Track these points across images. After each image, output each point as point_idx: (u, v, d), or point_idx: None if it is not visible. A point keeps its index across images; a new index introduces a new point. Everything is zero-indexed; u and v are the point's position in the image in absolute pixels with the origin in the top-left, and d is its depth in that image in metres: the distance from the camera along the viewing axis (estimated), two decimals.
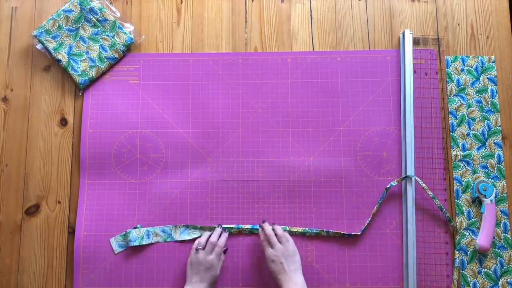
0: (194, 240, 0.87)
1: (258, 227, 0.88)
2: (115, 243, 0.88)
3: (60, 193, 0.91)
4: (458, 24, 0.97)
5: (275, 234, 0.82)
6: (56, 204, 0.91)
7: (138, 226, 0.88)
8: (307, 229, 0.88)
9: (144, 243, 0.87)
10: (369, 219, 0.87)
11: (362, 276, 0.87)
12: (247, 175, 0.91)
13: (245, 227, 0.87)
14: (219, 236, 0.84)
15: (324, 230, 0.87)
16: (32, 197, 0.91)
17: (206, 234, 0.85)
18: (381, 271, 0.87)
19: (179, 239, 0.87)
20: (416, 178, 0.88)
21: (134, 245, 0.86)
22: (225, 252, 0.85)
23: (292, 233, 0.87)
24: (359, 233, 0.87)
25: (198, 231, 0.88)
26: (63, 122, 0.94)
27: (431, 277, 0.86)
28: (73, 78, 0.93)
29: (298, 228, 0.88)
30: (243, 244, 0.88)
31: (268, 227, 0.83)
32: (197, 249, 0.80)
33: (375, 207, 0.88)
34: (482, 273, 0.87)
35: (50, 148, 0.93)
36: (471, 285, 0.86)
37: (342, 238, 0.88)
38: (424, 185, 0.87)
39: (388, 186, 0.88)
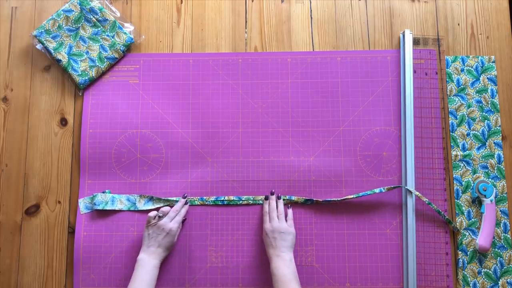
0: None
1: (222, 199, 0.89)
2: (83, 204, 0.89)
3: (60, 193, 0.91)
4: (458, 24, 0.97)
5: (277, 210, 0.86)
6: (56, 204, 0.91)
7: (106, 191, 0.89)
8: (301, 198, 0.89)
9: (107, 208, 0.88)
10: (352, 196, 0.89)
11: (362, 276, 0.87)
12: (247, 175, 0.91)
13: (209, 199, 0.89)
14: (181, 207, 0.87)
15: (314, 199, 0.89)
16: (32, 197, 0.91)
17: (167, 208, 0.86)
18: (381, 271, 0.87)
19: (143, 208, 0.89)
20: (410, 188, 0.87)
21: (98, 209, 0.88)
22: (183, 222, 0.88)
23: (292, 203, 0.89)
24: (337, 200, 0.89)
25: (162, 203, 0.89)
26: (63, 122, 0.94)
27: (431, 277, 0.86)
28: (73, 78, 0.93)
29: (300, 197, 0.89)
30: (243, 244, 0.88)
31: (273, 201, 0.86)
32: (159, 216, 0.83)
33: (361, 193, 0.88)
34: (482, 273, 0.87)
35: (50, 148, 0.93)
36: (471, 285, 0.86)
37: (343, 238, 0.88)
38: (418, 193, 0.87)
39: (377, 191, 0.87)
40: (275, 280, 0.76)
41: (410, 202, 0.87)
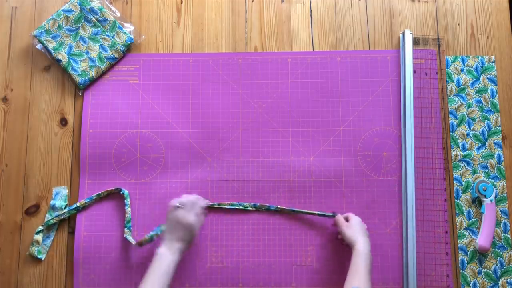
0: None
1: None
2: (56, 190, 0.90)
3: None
4: (458, 24, 0.97)
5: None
6: None
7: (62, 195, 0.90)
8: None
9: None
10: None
11: None
12: (247, 175, 0.91)
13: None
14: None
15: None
16: (32, 197, 0.91)
17: (186, 195, 0.82)
18: (381, 271, 0.87)
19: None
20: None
21: (54, 204, 0.89)
22: (208, 208, 0.84)
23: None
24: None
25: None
26: (63, 122, 0.94)
27: (431, 277, 0.86)
28: (73, 78, 0.93)
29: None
30: (243, 244, 0.88)
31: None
32: (178, 206, 0.78)
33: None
34: (482, 273, 0.87)
35: (50, 148, 0.93)
36: (471, 285, 0.86)
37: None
38: None
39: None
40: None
41: (410, 202, 0.87)
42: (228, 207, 0.89)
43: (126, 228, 0.87)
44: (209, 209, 0.89)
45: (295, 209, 0.88)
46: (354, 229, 0.81)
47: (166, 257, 0.75)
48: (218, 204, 0.89)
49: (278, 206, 0.89)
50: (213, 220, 0.89)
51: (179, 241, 0.76)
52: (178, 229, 0.77)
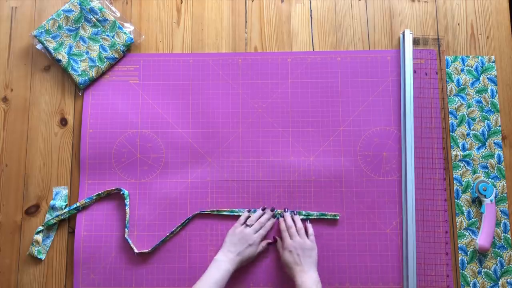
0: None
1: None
2: (56, 190, 0.90)
3: None
4: (458, 24, 0.97)
5: (295, 226, 0.84)
6: None
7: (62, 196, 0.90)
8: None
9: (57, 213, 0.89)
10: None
11: (362, 276, 0.87)
12: (247, 175, 0.91)
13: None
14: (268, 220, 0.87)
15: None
16: (32, 197, 0.91)
17: (258, 212, 0.87)
18: (381, 271, 0.87)
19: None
20: None
21: (54, 204, 0.89)
22: (270, 243, 0.86)
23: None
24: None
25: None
26: (63, 122, 0.94)
27: (431, 277, 0.86)
28: (73, 78, 0.93)
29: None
30: None
31: (288, 218, 0.85)
32: (247, 224, 0.84)
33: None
34: (482, 273, 0.87)
35: (50, 148, 0.93)
36: (471, 285, 0.86)
37: (343, 238, 0.88)
38: None
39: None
40: None
41: (410, 202, 0.87)
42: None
43: (126, 229, 0.87)
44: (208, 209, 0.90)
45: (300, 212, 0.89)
46: (302, 254, 0.80)
47: (223, 265, 0.79)
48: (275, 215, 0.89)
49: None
50: (213, 221, 0.89)
51: (238, 256, 0.80)
52: (241, 244, 0.82)
